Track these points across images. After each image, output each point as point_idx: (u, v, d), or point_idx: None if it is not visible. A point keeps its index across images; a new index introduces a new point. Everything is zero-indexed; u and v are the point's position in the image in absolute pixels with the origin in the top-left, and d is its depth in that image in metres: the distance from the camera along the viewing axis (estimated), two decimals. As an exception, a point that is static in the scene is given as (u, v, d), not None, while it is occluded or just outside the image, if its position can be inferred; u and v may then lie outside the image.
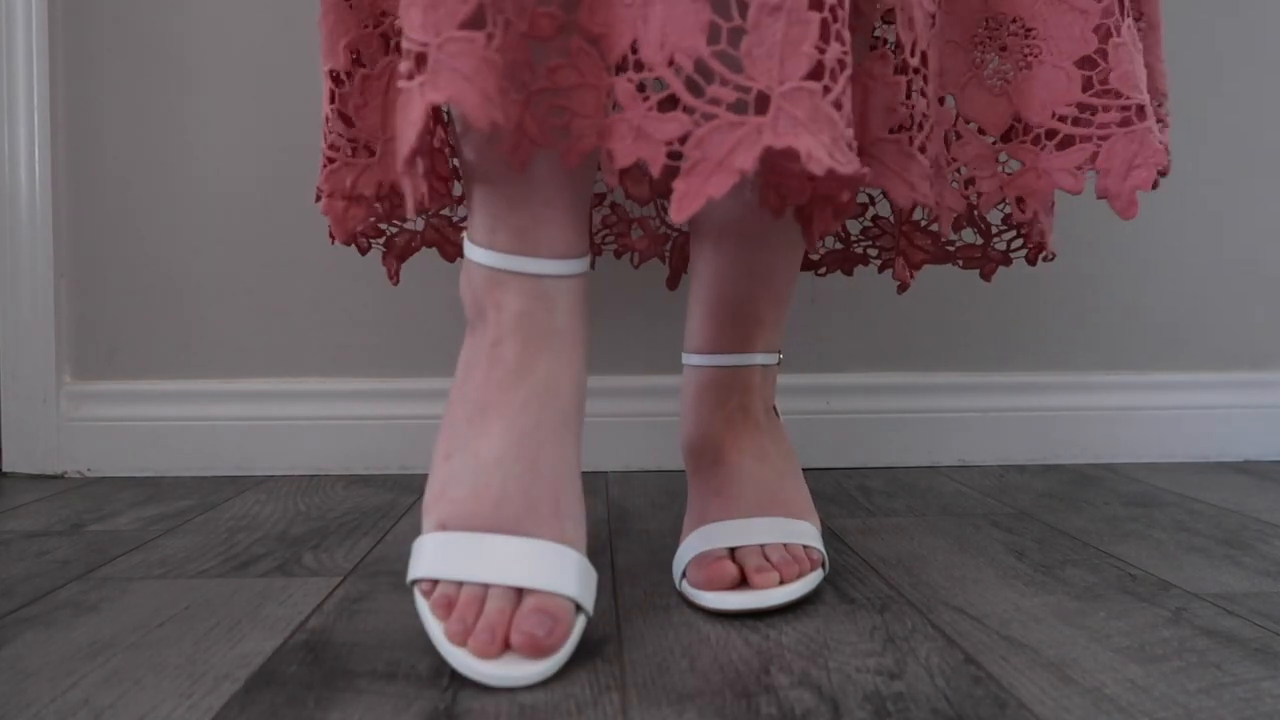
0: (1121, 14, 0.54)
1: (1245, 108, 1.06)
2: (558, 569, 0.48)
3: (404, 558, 0.67)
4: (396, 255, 0.75)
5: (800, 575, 0.57)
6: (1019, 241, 0.72)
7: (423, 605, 0.49)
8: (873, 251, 0.79)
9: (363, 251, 0.72)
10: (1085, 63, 0.54)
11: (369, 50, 0.58)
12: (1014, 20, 0.55)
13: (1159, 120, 0.64)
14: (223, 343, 0.99)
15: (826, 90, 0.43)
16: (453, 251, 0.77)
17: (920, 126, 0.52)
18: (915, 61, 0.51)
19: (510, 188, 0.51)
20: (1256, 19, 1.05)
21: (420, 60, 0.43)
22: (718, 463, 0.64)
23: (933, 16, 0.53)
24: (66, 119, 0.97)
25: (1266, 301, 1.08)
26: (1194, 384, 1.06)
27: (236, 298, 0.99)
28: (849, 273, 0.80)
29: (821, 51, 0.43)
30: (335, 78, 0.58)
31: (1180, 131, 1.05)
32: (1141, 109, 0.54)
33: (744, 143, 0.42)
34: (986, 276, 0.73)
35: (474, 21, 0.43)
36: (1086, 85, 0.54)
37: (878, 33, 0.64)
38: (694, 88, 0.43)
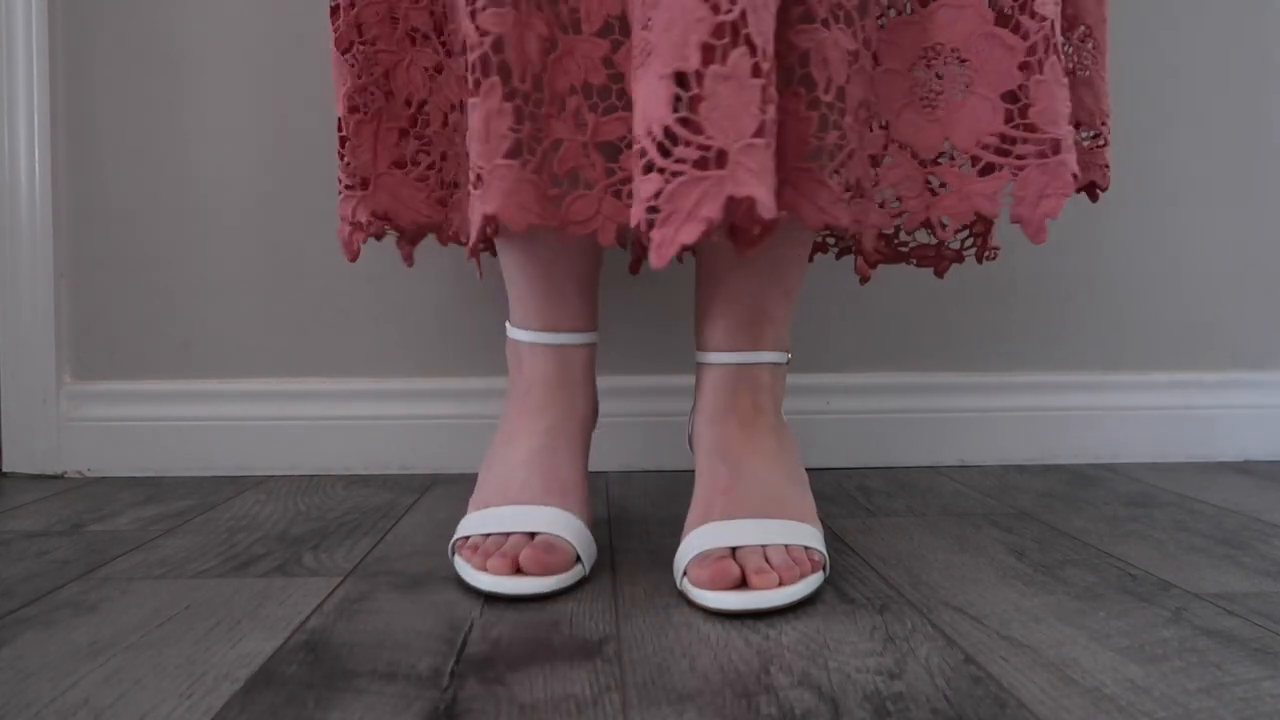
0: (1046, 53, 0.57)
1: (1248, 108, 1.05)
2: (561, 522, 0.62)
3: (404, 558, 0.68)
4: (409, 240, 0.80)
5: (801, 577, 0.57)
6: (970, 241, 0.77)
7: (458, 557, 0.62)
8: (830, 240, 0.85)
9: (378, 238, 0.77)
10: (1009, 96, 0.58)
11: (362, 99, 0.67)
12: (952, 50, 0.58)
13: (1102, 140, 0.69)
14: (223, 343, 0.99)
15: (768, 145, 0.50)
16: (445, 238, 0.80)
17: (832, 156, 0.56)
18: (829, 98, 0.56)
19: (539, 286, 0.69)
20: (1260, 20, 1.05)
21: (479, 179, 0.57)
22: (727, 461, 0.64)
23: (854, 54, 0.56)
24: (66, 119, 0.98)
25: (1266, 301, 1.08)
26: (1194, 384, 1.06)
27: (236, 298, 0.99)
28: (809, 259, 0.82)
29: (764, 112, 0.50)
30: (339, 121, 0.68)
31: (1181, 133, 1.05)
32: (1057, 143, 0.58)
33: (709, 194, 0.49)
34: (940, 274, 0.78)
35: (512, 152, 0.56)
36: (1008, 118, 0.58)
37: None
38: (663, 151, 0.50)
